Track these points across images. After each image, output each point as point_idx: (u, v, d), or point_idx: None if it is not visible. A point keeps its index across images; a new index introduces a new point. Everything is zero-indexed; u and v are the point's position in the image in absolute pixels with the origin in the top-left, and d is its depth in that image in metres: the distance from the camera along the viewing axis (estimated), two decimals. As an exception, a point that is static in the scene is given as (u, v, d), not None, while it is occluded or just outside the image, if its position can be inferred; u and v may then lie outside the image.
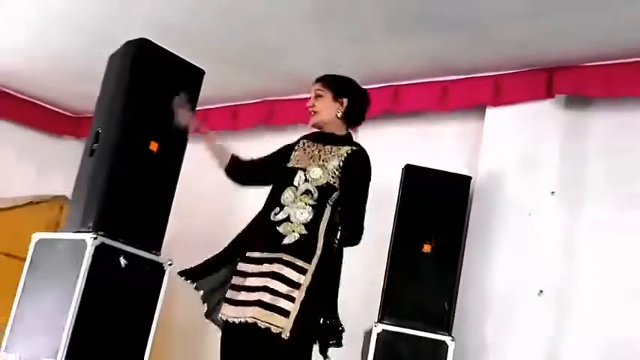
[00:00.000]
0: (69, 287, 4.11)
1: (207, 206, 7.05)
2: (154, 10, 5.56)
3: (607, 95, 5.39)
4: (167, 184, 4.60)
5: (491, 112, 5.82)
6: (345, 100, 3.59)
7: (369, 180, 3.52)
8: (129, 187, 4.39)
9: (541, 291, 5.27)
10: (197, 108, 4.87)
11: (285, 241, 3.33)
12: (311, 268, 3.27)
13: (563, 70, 5.51)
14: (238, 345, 3.36)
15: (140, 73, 4.47)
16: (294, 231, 3.34)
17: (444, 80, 6.01)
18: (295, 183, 3.46)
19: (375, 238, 5.26)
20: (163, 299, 4.49)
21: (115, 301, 4.28)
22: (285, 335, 3.15)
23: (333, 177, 3.42)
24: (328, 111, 3.58)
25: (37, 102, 8.06)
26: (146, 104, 4.47)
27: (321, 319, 3.27)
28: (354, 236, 3.40)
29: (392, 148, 5.97)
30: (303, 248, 3.30)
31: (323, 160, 3.49)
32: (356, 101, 3.64)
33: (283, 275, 3.26)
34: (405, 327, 5.10)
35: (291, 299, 3.21)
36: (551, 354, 5.21)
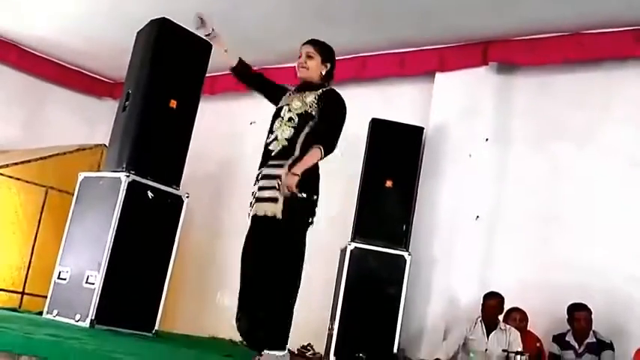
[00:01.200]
0: (108, 215, 4.17)
1: (215, 152, 7.05)
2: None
3: (530, 62, 5.44)
4: (184, 133, 4.58)
5: (439, 77, 5.84)
6: (329, 64, 3.70)
7: (341, 107, 3.56)
8: (154, 135, 4.40)
9: (477, 216, 5.37)
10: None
11: (272, 152, 3.49)
12: (287, 162, 3.40)
13: (495, 43, 5.54)
14: (255, 231, 3.50)
15: (161, 46, 4.46)
16: (278, 144, 3.48)
17: (400, 52, 6.00)
18: (282, 115, 3.57)
19: (347, 177, 5.47)
20: (182, 224, 4.51)
21: (144, 225, 4.31)
22: (278, 217, 3.36)
23: (310, 107, 3.52)
24: (316, 71, 3.65)
25: (81, 70, 7.98)
26: (166, 71, 4.46)
27: (304, 195, 3.38)
28: (326, 144, 3.41)
29: (360, 107, 5.72)
30: (284, 154, 3.44)
31: (303, 97, 3.58)
32: (333, 66, 3.74)
33: (269, 174, 3.45)
34: (372, 245, 5.16)
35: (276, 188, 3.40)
36: (485, 264, 5.33)
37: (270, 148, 3.50)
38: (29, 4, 6.36)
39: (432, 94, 5.83)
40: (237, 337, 3.77)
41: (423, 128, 5.54)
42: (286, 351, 3.40)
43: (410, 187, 5.39)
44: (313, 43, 3.72)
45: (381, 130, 5.42)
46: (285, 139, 3.47)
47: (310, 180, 3.43)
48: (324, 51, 3.69)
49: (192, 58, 4.64)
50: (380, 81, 6.21)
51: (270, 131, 3.58)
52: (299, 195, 3.35)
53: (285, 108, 3.58)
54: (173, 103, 4.49)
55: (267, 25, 5.93)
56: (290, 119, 3.52)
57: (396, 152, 5.38)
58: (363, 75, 6.16)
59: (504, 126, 5.52)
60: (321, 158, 3.42)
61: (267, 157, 3.51)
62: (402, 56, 6.00)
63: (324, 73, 3.66)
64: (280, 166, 3.41)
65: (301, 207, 3.41)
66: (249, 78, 3.86)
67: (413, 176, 5.42)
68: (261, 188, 3.47)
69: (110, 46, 6.86)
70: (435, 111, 5.77)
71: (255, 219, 3.48)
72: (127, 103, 4.47)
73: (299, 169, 3.35)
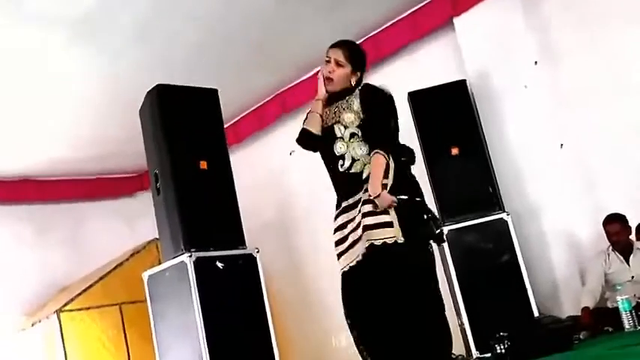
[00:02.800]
0: (188, 303, 4.04)
1: (264, 196, 6.89)
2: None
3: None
4: (227, 189, 4.43)
5: (457, 21, 5.52)
6: (359, 73, 3.32)
7: (382, 99, 3.24)
8: (197, 203, 4.25)
9: (561, 144, 5.04)
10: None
11: (364, 176, 3.15)
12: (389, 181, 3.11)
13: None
14: (360, 284, 3.11)
15: (167, 113, 4.33)
16: (365, 164, 3.16)
17: (410, 14, 5.71)
18: (338, 135, 3.23)
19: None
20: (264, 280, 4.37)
21: (227, 297, 4.18)
22: (400, 240, 3.02)
23: (360, 115, 3.20)
24: (344, 81, 3.29)
25: (104, 177, 7.98)
26: (182, 135, 4.34)
27: (424, 215, 3.11)
28: (382, 144, 3.12)
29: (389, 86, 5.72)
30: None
31: (346, 108, 3.26)
32: (364, 73, 3.37)
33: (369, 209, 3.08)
34: (465, 220, 4.91)
35: (386, 212, 3.06)
36: (589, 192, 4.97)
37: (353, 172, 3.17)
38: (24, 143, 6.42)
39: (459, 43, 5.53)
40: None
41: (464, 80, 5.23)
42: None
43: (478, 145, 5.08)
44: (343, 46, 3.35)
45: (422, 101, 5.14)
46: (363, 155, 3.18)
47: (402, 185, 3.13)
48: (356, 57, 3.34)
49: (203, 112, 4.50)
50: (400, 54, 5.92)
51: (333, 157, 3.25)
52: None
53: (337, 126, 3.25)
54: (203, 165, 4.34)
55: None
56: (352, 135, 3.21)
57: (448, 116, 5.08)
58: (382, 53, 5.87)
59: (547, 42, 5.16)
60: (387, 161, 3.11)
61: (351, 182, 3.18)
62: (412, 18, 5.70)
63: (353, 83, 3.29)
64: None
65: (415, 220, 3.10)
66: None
67: (476, 133, 5.11)
68: (366, 215, 3.09)
69: (121, 139, 6.76)
70: (468, 58, 5.47)
71: (355, 269, 3.10)
72: (158, 185, 4.35)
73: (374, 187, 3.06)
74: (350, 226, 3.18)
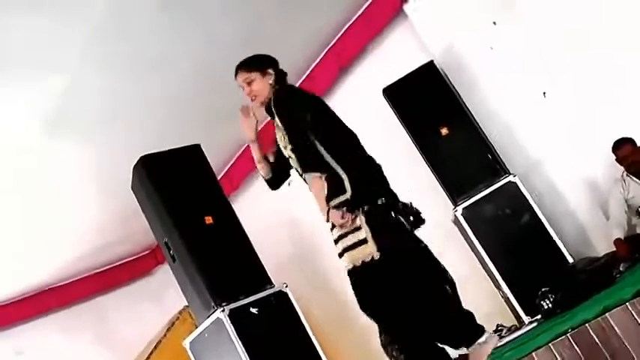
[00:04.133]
0: (235, 356, 4.01)
1: (275, 234, 6.92)
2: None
3: None
4: (238, 236, 4.45)
5: (408, 7, 5.60)
6: (271, 69, 3.51)
7: (291, 100, 3.46)
8: (214, 258, 4.27)
9: (544, 92, 5.09)
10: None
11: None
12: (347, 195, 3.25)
13: None
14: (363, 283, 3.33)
15: (158, 178, 4.38)
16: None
17: (362, 12, 5.78)
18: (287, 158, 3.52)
19: (400, 159, 5.26)
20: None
21: (271, 338, 4.17)
22: (375, 256, 3.20)
23: (284, 135, 3.44)
24: (264, 87, 3.48)
25: (118, 264, 8.01)
26: (179, 196, 4.38)
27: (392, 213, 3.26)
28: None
29: (365, 91, 5.82)
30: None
31: (277, 126, 3.49)
32: (277, 66, 3.56)
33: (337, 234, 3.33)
34: (476, 194, 4.94)
35: (358, 228, 3.25)
36: (587, 128, 4.96)
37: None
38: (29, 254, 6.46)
39: (415, 28, 5.62)
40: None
41: (431, 61, 5.29)
42: (487, 332, 3.33)
43: (464, 119, 5.12)
44: (240, 67, 3.55)
45: (398, 93, 5.21)
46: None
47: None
48: (257, 63, 3.53)
49: (192, 169, 4.54)
50: (365, 53, 6.01)
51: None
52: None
53: (284, 151, 3.50)
54: (209, 220, 4.37)
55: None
56: (290, 157, 3.47)
57: (427, 100, 5.13)
58: (349, 55, 5.98)
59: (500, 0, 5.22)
60: (324, 182, 3.30)
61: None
62: (366, 15, 5.76)
63: (272, 81, 3.49)
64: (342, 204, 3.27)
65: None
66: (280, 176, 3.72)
67: (459, 107, 5.15)
68: (338, 240, 3.33)
69: (122, 222, 6.79)
70: (428, 40, 5.55)
71: (355, 271, 3.30)
72: (171, 252, 4.37)
73: (323, 213, 3.31)
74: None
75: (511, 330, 4.73)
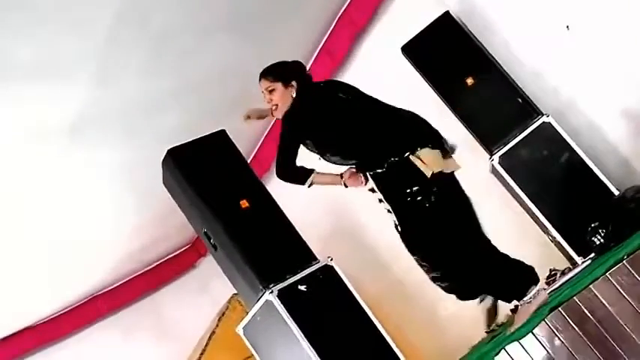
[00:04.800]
0: (291, 336, 3.99)
1: (314, 210, 6.84)
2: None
3: None
4: (276, 216, 4.43)
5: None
6: (294, 82, 3.73)
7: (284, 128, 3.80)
8: (254, 241, 4.24)
9: (567, 26, 4.94)
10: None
11: None
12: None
13: None
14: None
15: (188, 169, 4.35)
16: None
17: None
18: None
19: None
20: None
21: (325, 314, 4.15)
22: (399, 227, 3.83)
23: None
24: (285, 99, 3.73)
25: (162, 260, 8.07)
26: (211, 184, 4.36)
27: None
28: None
29: (384, 52, 5.78)
30: None
31: None
32: (303, 77, 3.79)
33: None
34: (510, 141, 4.87)
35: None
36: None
37: None
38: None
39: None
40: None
41: (447, 12, 5.17)
42: (536, 285, 3.47)
43: (487, 65, 5.00)
44: (266, 74, 3.75)
45: (417, 49, 5.13)
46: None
47: None
48: (282, 72, 3.73)
49: (221, 156, 4.52)
50: (379, 16, 5.92)
51: None
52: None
53: None
54: (245, 204, 4.35)
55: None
56: None
57: (447, 51, 5.04)
58: (363, 21, 5.89)
59: None
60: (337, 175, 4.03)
61: None
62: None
63: (294, 94, 3.71)
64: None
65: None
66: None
67: (481, 55, 5.03)
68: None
69: (161, 219, 6.80)
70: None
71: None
72: (212, 241, 4.35)
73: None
74: None
75: (564, 272, 4.65)
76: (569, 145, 4.77)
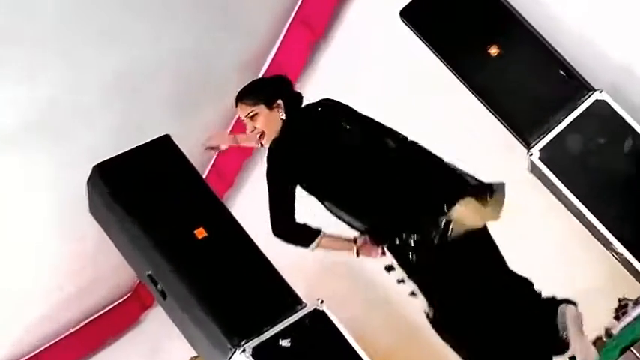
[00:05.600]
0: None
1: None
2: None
3: None
4: (244, 246, 4.41)
5: None
6: (280, 101, 3.89)
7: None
8: (218, 282, 4.23)
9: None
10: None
11: None
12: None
13: None
14: None
15: (122, 188, 4.32)
16: None
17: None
18: None
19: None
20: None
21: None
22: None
23: None
24: (272, 123, 3.91)
25: (92, 318, 8.02)
26: (154, 206, 4.33)
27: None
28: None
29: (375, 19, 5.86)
30: None
31: None
32: (287, 92, 3.97)
33: None
34: (554, 127, 4.88)
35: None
36: None
37: None
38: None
39: None
40: None
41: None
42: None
43: (516, 29, 5.04)
44: (243, 95, 3.94)
45: (420, 14, 5.14)
46: None
47: None
48: (262, 90, 3.92)
49: (165, 170, 4.51)
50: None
51: None
52: None
53: None
54: (201, 232, 4.31)
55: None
56: None
57: (459, 15, 5.11)
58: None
59: None
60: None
61: None
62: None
63: (283, 116, 3.87)
64: None
65: None
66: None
67: (507, 14, 5.06)
68: None
69: (89, 260, 6.83)
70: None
71: None
72: (158, 287, 4.31)
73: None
74: None
75: (638, 301, 4.66)
76: (631, 127, 4.80)
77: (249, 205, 6.22)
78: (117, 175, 4.37)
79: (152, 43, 5.38)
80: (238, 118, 4.00)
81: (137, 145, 4.49)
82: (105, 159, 4.39)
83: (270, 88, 3.95)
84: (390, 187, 3.83)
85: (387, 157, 3.86)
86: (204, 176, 4.94)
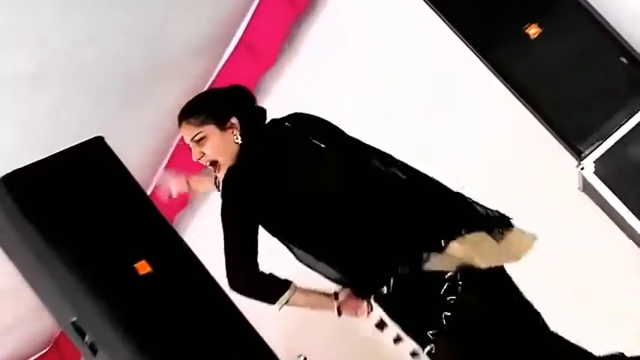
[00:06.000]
0: None
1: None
2: None
3: None
4: (202, 288, 4.14)
5: None
6: (235, 120, 3.72)
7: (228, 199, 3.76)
8: (167, 333, 3.90)
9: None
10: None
11: None
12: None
13: None
14: None
15: (39, 208, 3.94)
16: None
17: None
18: None
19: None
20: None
21: None
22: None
23: None
24: (225, 148, 3.72)
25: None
26: (81, 233, 3.96)
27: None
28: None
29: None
30: None
31: None
32: (245, 107, 3.81)
33: None
34: (612, 132, 4.64)
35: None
36: None
37: None
38: None
39: None
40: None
41: None
42: None
43: (567, 1, 4.80)
44: (187, 113, 3.76)
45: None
46: None
47: None
48: (212, 106, 3.76)
49: (96, 183, 4.17)
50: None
51: None
52: None
53: None
54: (143, 267, 3.98)
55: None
56: None
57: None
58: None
59: None
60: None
61: None
62: None
63: (239, 139, 3.70)
64: None
65: None
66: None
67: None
68: None
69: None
70: None
71: None
72: (86, 340, 3.94)
73: None
74: None
75: None
76: None
77: (208, 230, 6.06)
78: (31, 188, 4.05)
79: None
80: (181, 140, 3.80)
81: (60, 150, 4.21)
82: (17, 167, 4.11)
83: (222, 104, 3.78)
84: (378, 223, 3.66)
85: (373, 185, 3.71)
86: (148, 192, 4.72)
